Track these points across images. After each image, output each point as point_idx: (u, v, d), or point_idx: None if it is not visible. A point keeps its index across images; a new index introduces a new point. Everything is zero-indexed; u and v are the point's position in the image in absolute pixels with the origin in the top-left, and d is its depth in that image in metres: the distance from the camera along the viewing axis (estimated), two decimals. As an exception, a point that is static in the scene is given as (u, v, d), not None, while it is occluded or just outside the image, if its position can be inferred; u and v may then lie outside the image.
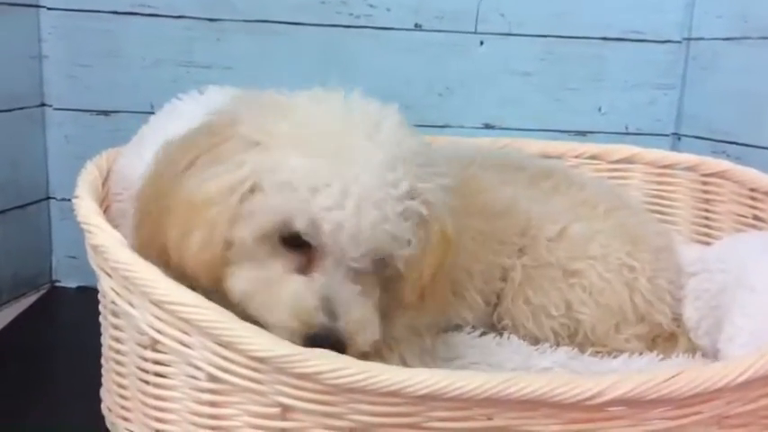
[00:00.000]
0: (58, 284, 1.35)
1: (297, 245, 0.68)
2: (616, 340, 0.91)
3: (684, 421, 0.67)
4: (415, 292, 0.73)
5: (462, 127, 1.30)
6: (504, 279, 0.93)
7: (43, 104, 1.27)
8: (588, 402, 0.63)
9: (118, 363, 0.75)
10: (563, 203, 0.97)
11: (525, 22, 1.28)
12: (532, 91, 1.31)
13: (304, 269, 0.68)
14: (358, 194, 0.65)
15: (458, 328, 0.94)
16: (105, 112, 1.26)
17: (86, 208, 0.74)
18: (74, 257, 1.32)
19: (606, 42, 1.30)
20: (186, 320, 0.65)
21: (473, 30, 1.28)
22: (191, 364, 0.67)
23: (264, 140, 0.68)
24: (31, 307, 1.26)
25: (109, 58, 1.23)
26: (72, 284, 1.34)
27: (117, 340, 0.75)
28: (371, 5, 1.25)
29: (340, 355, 0.63)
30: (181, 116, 0.94)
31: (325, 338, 0.65)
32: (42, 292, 1.32)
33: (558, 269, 0.90)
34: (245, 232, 0.67)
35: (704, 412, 0.66)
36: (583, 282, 0.90)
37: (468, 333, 0.93)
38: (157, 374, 0.70)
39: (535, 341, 0.92)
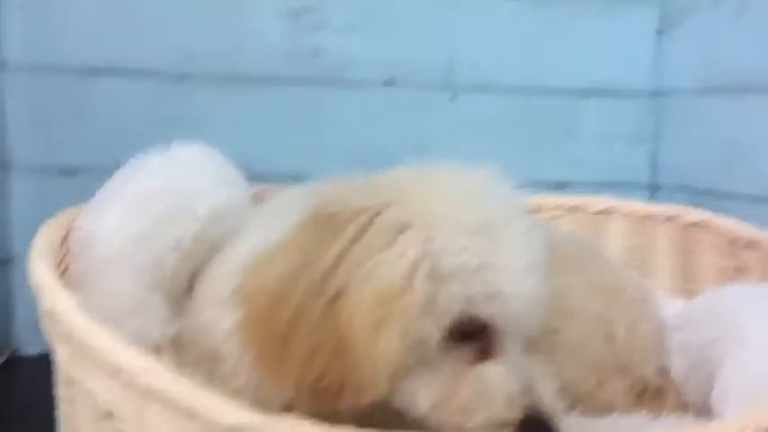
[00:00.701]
0: (19, 353, 1.28)
1: (465, 336, 0.63)
2: (600, 398, 0.87)
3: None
4: None
5: (436, 183, 1.28)
6: None
7: (6, 163, 1.23)
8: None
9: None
10: None
11: (497, 77, 1.28)
12: (506, 144, 1.30)
13: (482, 358, 0.63)
14: (525, 266, 0.62)
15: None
16: (71, 172, 1.22)
17: (39, 269, 0.70)
18: (36, 323, 1.26)
19: (579, 96, 1.30)
20: (143, 387, 0.61)
21: (445, 83, 1.27)
22: (150, 437, 0.62)
23: (417, 221, 0.62)
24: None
25: (74, 116, 1.21)
26: (34, 351, 1.28)
27: (71, 413, 0.69)
28: (341, 61, 1.24)
29: (312, 423, 0.59)
30: (145, 173, 0.91)
31: (538, 420, 0.60)
32: (2, 359, 1.26)
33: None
34: (432, 327, 0.60)
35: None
36: (558, 339, 0.87)
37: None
38: (112, 450, 0.65)
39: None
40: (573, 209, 1.19)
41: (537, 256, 0.65)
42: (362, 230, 0.61)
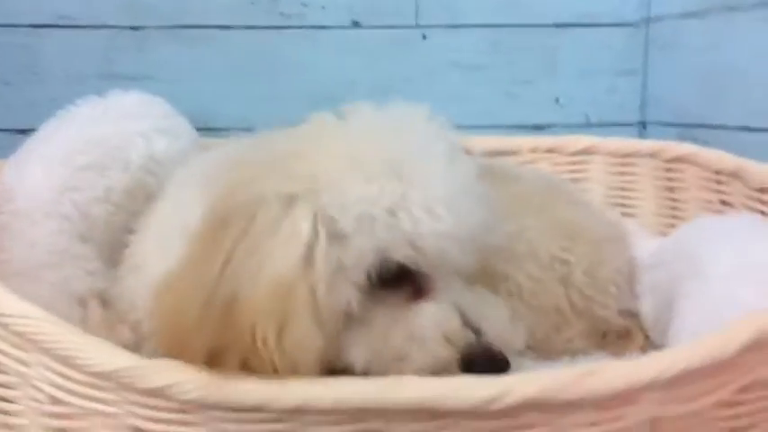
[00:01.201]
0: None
1: (393, 282, 0.59)
2: (557, 342, 0.81)
3: (610, 427, 0.56)
4: None
5: (410, 128, 1.21)
6: None
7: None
8: (487, 408, 0.53)
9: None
10: (496, 200, 0.89)
11: (469, 12, 1.20)
12: (482, 86, 1.22)
13: (418, 297, 0.60)
14: (444, 194, 0.59)
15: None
16: (24, 131, 1.19)
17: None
18: None
19: (559, 29, 1.21)
20: (21, 335, 0.57)
21: (414, 23, 1.20)
22: (32, 386, 0.59)
23: (306, 190, 0.58)
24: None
25: (27, 74, 1.18)
26: None
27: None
28: (304, 4, 1.18)
29: (190, 366, 0.55)
30: (74, 122, 0.88)
31: (482, 356, 0.58)
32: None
33: (484, 274, 0.82)
34: (349, 289, 0.57)
35: (631, 415, 0.56)
36: (509, 286, 0.81)
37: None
38: (4, 400, 0.62)
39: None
40: (551, 150, 1.11)
41: (461, 189, 0.61)
42: (250, 221, 0.57)
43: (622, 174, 1.09)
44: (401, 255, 0.57)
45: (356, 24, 1.20)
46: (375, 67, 1.21)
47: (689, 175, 1.01)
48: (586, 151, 1.10)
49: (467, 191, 0.61)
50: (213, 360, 0.54)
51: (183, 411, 0.55)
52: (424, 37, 1.21)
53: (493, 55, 1.23)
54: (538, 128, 1.24)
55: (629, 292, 0.87)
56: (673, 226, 1.02)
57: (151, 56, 1.17)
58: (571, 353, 0.79)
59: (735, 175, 0.93)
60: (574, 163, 1.12)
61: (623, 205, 1.08)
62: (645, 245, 0.95)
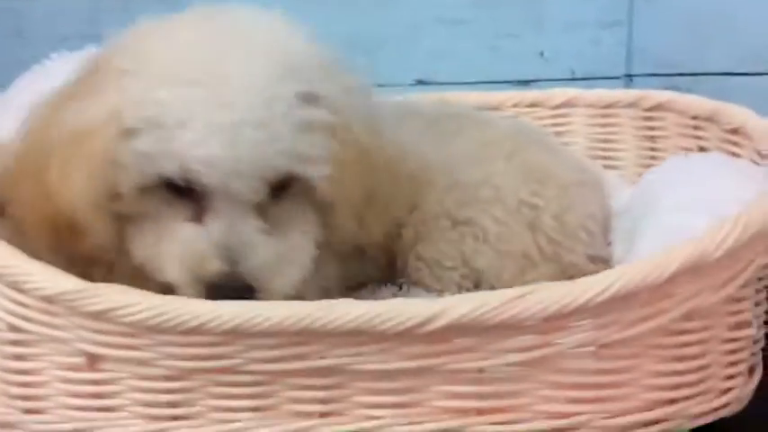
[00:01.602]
0: None
1: (188, 190, 0.60)
2: (522, 283, 0.81)
3: (548, 351, 0.57)
4: (350, 217, 0.67)
5: (393, 85, 1.21)
6: (399, 237, 0.86)
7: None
8: (419, 330, 0.55)
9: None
10: (463, 146, 0.88)
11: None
12: (466, 40, 1.22)
13: (198, 217, 0.61)
14: (230, 120, 0.57)
15: (362, 285, 0.87)
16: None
17: None
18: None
19: (542, -20, 1.20)
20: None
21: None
22: (-10, 314, 0.61)
23: (133, 68, 0.60)
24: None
25: (12, 37, 1.20)
26: None
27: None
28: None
29: (137, 291, 0.57)
30: (48, 76, 0.89)
31: (227, 286, 0.58)
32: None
33: (447, 219, 0.82)
34: (126, 182, 0.59)
35: (567, 338, 0.57)
36: (474, 230, 0.81)
37: (368, 287, 0.85)
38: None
39: (440, 294, 0.83)
40: (533, 104, 1.10)
41: (272, 106, 0.58)
42: (87, 75, 0.63)
43: (604, 125, 1.07)
44: (171, 171, 0.58)
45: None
46: (357, 21, 1.21)
47: (668, 122, 1.00)
48: (568, 104, 1.09)
49: (272, 118, 0.59)
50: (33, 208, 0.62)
51: (130, 335, 0.57)
52: (408, -9, 1.21)
53: (476, 9, 1.22)
54: (522, 83, 1.23)
55: (601, 238, 0.86)
56: (653, 175, 1.02)
57: (137, 18, 1.18)
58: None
59: (710, 119, 0.92)
60: (556, 116, 1.10)
61: (605, 158, 1.07)
62: (622, 194, 0.95)
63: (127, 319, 0.56)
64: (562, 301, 0.55)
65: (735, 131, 0.87)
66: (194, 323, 0.55)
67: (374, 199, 0.69)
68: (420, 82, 1.24)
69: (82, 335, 0.58)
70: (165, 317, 0.55)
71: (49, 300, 0.57)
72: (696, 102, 0.95)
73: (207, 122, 0.57)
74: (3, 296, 0.59)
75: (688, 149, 0.97)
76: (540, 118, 1.11)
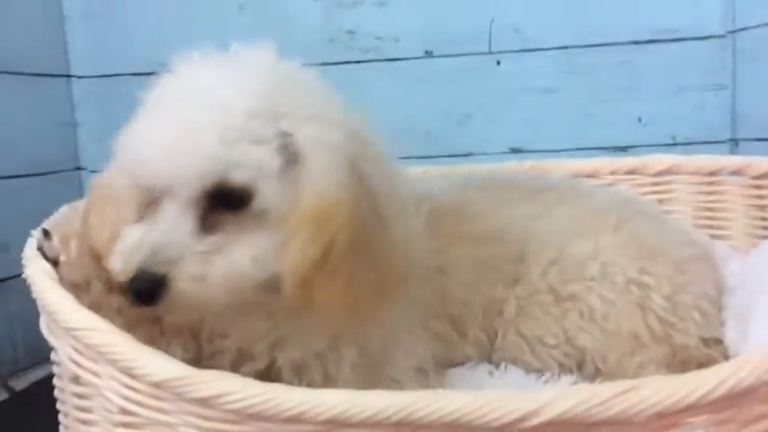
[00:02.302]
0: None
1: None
2: (629, 367, 0.78)
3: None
4: (294, 278, 0.61)
5: (486, 153, 1.22)
6: (500, 314, 0.84)
7: (78, 168, 1.34)
8: (519, 426, 0.53)
9: (61, 401, 0.74)
10: (566, 216, 0.86)
11: (543, 36, 1.20)
12: (559, 108, 1.21)
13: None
14: (173, 127, 0.62)
15: (461, 364, 0.85)
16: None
17: (29, 248, 0.74)
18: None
19: (637, 46, 1.18)
20: (92, 347, 0.63)
21: (487, 50, 1.21)
22: (104, 397, 0.64)
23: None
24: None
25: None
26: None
27: (58, 377, 0.73)
28: (379, 38, 1.22)
29: (239, 377, 0.58)
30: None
31: (140, 278, 0.60)
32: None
33: (550, 294, 0.81)
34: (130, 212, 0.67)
35: (678, 438, 0.54)
36: (579, 306, 0.79)
37: (463, 364, 0.84)
38: (83, 410, 0.68)
39: (539, 374, 0.81)
40: (632, 171, 1.08)
41: (220, 113, 0.61)
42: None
43: (709, 194, 1.04)
44: (131, 178, 0.66)
45: (429, 54, 1.22)
46: (450, 94, 1.23)
47: (781, 189, 0.96)
48: (669, 171, 1.06)
49: (216, 123, 0.61)
50: None
51: (233, 422, 0.58)
52: (498, 63, 1.22)
53: (568, 76, 1.21)
54: (620, 149, 1.21)
55: (715, 318, 0.82)
56: (767, 246, 0.96)
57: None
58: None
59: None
60: (657, 184, 1.08)
61: (712, 227, 1.03)
62: (734, 267, 0.90)
63: (229, 407, 0.57)
64: (675, 396, 0.52)
65: None
66: (294, 411, 0.55)
67: (332, 272, 0.61)
68: (514, 150, 1.24)
69: (188, 420, 0.59)
70: (265, 405, 0.56)
71: (157, 385, 0.59)
72: (814, 170, 0.91)
73: (151, 131, 0.64)
74: (115, 380, 0.62)
75: (804, 218, 0.92)
76: (640, 185, 1.09)
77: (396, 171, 0.70)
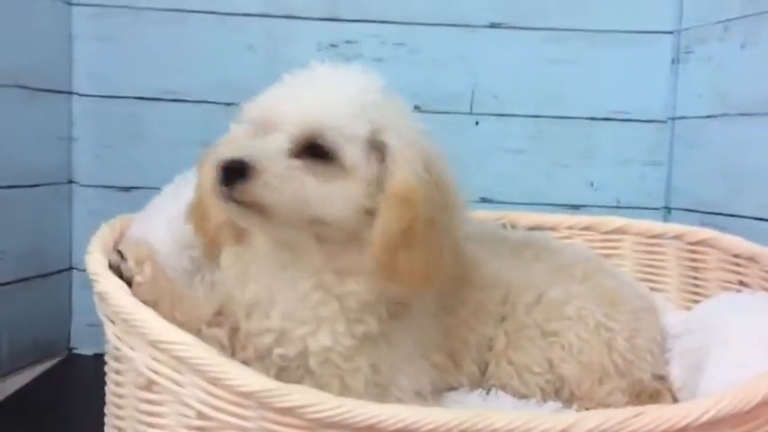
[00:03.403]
0: (75, 351, 1.42)
1: None
2: (599, 393, 0.93)
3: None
4: (383, 247, 0.75)
5: (460, 202, 1.36)
6: (490, 348, 0.97)
7: (71, 181, 1.38)
8: (553, 438, 0.66)
9: (118, 407, 0.80)
10: (542, 270, 1.01)
11: (517, 104, 1.37)
12: (526, 167, 1.38)
13: None
14: (303, 83, 0.77)
15: (453, 390, 0.97)
16: (127, 189, 1.35)
17: (95, 261, 0.81)
18: (92, 325, 1.39)
19: (595, 122, 1.38)
20: (179, 359, 0.71)
21: (469, 111, 1.37)
22: (182, 403, 0.72)
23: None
24: (49, 371, 1.32)
25: (133, 139, 1.35)
26: (89, 352, 1.41)
27: (118, 384, 0.80)
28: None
29: (319, 391, 0.68)
30: (190, 186, 1.02)
31: (229, 160, 0.71)
32: (60, 358, 1.39)
33: (537, 329, 0.94)
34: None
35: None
36: (561, 341, 0.93)
37: (457, 389, 0.96)
38: (151, 414, 0.75)
39: (523, 398, 0.95)
40: (586, 228, 1.25)
41: (338, 88, 0.77)
42: None
43: (650, 252, 1.21)
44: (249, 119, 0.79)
45: (417, 108, 1.36)
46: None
47: (711, 257, 1.14)
48: (618, 231, 1.24)
49: (336, 92, 0.77)
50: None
51: (309, 429, 0.68)
52: (477, 123, 1.38)
53: (535, 141, 1.39)
54: (573, 207, 1.39)
55: (661, 358, 0.99)
56: (695, 302, 1.14)
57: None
58: (609, 405, 0.91)
59: (752, 259, 1.06)
60: (606, 240, 1.25)
61: (651, 281, 1.21)
62: (671, 317, 1.08)
63: (310, 416, 0.67)
64: (673, 420, 0.66)
65: (775, 272, 1.02)
66: (370, 422, 0.66)
67: (412, 244, 0.75)
68: (483, 200, 1.39)
69: (264, 425, 0.68)
70: (343, 415, 0.66)
71: (243, 395, 0.68)
72: (737, 242, 1.10)
73: (287, 84, 0.78)
74: (198, 387, 0.70)
75: (728, 282, 1.11)
76: (592, 241, 1.25)
77: (453, 180, 0.83)
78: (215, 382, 0.69)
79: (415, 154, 0.77)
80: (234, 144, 0.78)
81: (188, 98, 1.37)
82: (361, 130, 0.76)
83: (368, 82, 0.81)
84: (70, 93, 1.37)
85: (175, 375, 0.71)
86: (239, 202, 0.72)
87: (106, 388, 0.85)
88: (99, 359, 1.35)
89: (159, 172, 1.32)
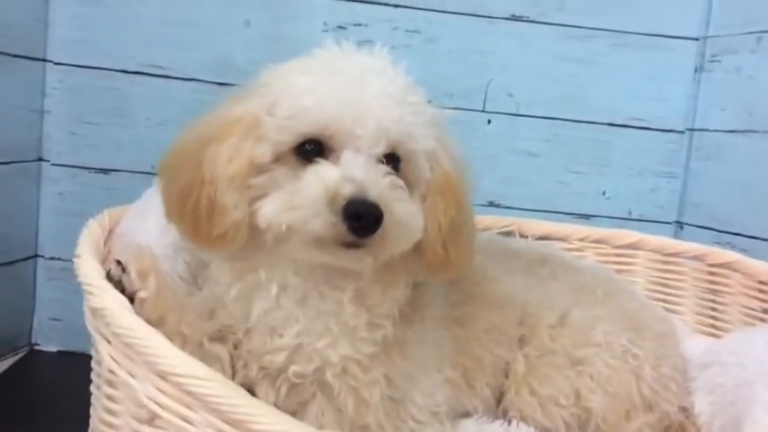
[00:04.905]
0: (37, 347, 1.29)
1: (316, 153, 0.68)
2: (628, 429, 0.87)
3: None
4: (441, 242, 0.72)
5: (466, 203, 1.28)
6: (506, 374, 0.90)
7: (40, 159, 1.24)
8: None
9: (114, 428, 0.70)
10: (560, 289, 0.95)
11: (533, 104, 1.29)
12: (537, 171, 1.31)
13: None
14: (373, 89, 0.68)
15: (467, 415, 0.90)
16: (104, 171, 1.23)
17: (88, 267, 0.70)
18: (56, 320, 1.26)
19: (611, 128, 1.31)
20: (192, 394, 0.61)
21: (481, 108, 1.29)
22: (187, 438, 0.62)
23: (273, 80, 0.71)
24: (8, 371, 1.20)
25: (113, 116, 1.22)
26: (52, 348, 1.28)
27: (110, 413, 0.69)
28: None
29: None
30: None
31: (356, 201, 0.63)
32: (20, 355, 1.26)
33: (564, 357, 0.88)
34: (267, 149, 0.68)
35: None
36: (589, 369, 0.87)
37: (477, 419, 0.89)
38: (151, 448, 0.65)
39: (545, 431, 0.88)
40: (598, 241, 1.19)
41: (400, 92, 0.71)
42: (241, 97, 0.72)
43: (665, 271, 1.16)
44: (321, 125, 0.68)
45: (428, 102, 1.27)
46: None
47: (732, 281, 1.09)
48: (633, 246, 1.18)
49: (401, 98, 0.70)
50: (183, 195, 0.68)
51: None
52: (489, 122, 1.30)
53: (549, 144, 1.31)
54: (584, 216, 1.33)
55: (683, 387, 0.93)
56: (713, 327, 1.10)
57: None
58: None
59: (782, 287, 1.02)
60: (619, 255, 1.20)
61: (664, 301, 1.16)
62: (690, 342, 1.03)
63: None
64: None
65: (808, 304, 0.97)
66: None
67: (459, 232, 0.74)
68: (491, 204, 1.32)
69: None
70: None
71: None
72: (763, 268, 1.05)
73: (356, 86, 0.69)
74: (213, 428, 0.61)
75: (752, 309, 1.07)
76: (604, 255, 1.20)
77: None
78: (237, 425, 0.60)
79: (450, 149, 0.76)
80: (330, 171, 0.66)
81: (176, 74, 1.25)
82: (431, 143, 0.72)
83: (408, 79, 0.75)
84: (44, 60, 1.23)
85: (186, 412, 0.62)
86: (359, 247, 0.65)
87: (91, 411, 0.75)
88: (64, 357, 1.27)
89: (140, 154, 1.22)
